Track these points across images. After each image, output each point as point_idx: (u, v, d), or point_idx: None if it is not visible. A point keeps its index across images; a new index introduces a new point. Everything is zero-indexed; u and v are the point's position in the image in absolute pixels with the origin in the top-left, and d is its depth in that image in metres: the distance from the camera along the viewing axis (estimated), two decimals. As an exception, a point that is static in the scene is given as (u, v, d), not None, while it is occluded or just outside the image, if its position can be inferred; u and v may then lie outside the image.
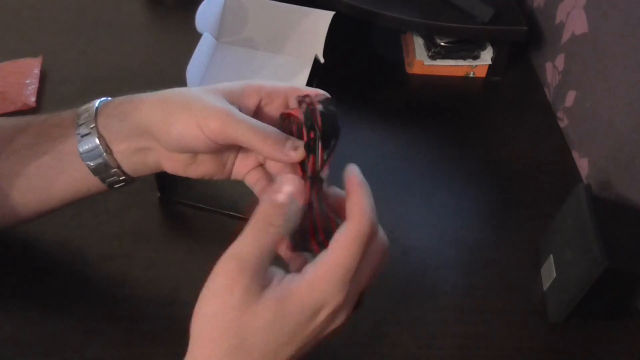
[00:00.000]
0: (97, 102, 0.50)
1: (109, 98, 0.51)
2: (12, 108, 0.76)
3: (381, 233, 0.42)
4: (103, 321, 0.56)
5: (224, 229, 0.65)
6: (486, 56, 0.86)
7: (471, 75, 0.88)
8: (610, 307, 0.59)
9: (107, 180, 0.51)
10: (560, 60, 0.83)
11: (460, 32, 0.82)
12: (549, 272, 0.60)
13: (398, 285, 0.60)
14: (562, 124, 0.81)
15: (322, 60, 0.69)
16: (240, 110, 0.46)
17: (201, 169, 0.51)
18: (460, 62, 0.86)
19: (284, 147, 0.44)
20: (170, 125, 0.46)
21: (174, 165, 0.50)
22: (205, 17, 0.68)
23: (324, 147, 0.42)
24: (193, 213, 0.66)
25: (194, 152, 0.49)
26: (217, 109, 0.45)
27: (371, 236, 0.40)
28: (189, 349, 0.40)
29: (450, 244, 0.66)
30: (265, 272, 0.39)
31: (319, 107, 0.43)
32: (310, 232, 0.42)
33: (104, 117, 0.49)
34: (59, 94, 0.79)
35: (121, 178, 0.51)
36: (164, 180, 0.66)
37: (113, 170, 0.50)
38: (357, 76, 0.87)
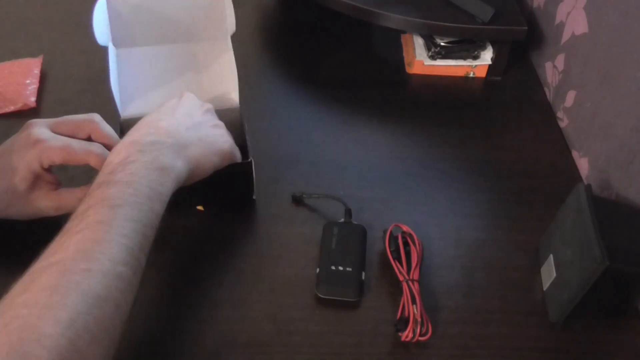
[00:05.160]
0: None
1: None
2: (12, 108, 0.76)
3: None
4: (103, 321, 0.56)
5: (224, 229, 0.66)
6: (486, 56, 0.86)
7: (471, 75, 0.88)
8: (610, 307, 0.59)
9: None
10: (560, 60, 0.83)
11: (460, 32, 0.82)
12: (549, 272, 0.60)
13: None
14: (562, 124, 0.81)
15: (233, 29, 0.62)
16: None
17: None
18: (460, 62, 0.86)
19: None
20: None
21: None
22: (101, 27, 0.62)
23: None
24: (194, 213, 0.66)
25: None
26: None
27: None
28: None
29: (450, 244, 0.66)
30: None
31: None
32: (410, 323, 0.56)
33: None
34: (59, 94, 0.79)
35: None
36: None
37: None
38: (357, 76, 0.87)
